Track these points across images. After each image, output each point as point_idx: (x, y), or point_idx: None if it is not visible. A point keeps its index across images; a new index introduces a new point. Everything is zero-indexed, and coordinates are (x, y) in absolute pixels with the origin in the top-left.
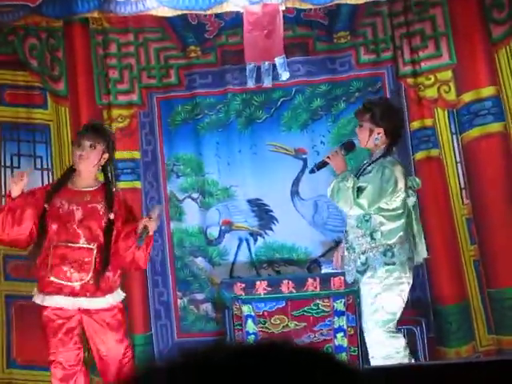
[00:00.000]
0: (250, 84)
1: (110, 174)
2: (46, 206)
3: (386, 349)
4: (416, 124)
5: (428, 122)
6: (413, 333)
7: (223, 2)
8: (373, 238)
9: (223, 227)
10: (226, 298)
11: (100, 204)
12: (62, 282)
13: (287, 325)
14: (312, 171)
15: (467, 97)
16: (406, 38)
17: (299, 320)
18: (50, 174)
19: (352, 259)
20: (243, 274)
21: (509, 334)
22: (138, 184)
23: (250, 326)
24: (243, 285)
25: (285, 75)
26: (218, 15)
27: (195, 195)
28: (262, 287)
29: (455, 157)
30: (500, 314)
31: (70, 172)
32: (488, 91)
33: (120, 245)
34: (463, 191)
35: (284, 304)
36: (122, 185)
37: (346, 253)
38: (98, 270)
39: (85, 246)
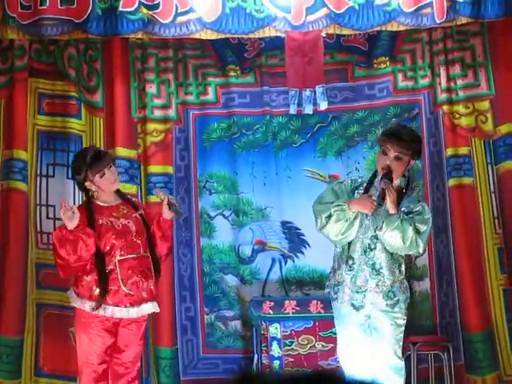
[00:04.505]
0: (292, 110)
1: None
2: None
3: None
4: (450, 151)
5: (462, 150)
6: (440, 358)
7: (265, 27)
8: (400, 271)
9: (256, 246)
10: (253, 316)
11: (136, 213)
12: (134, 293)
13: (314, 345)
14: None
15: (504, 128)
16: (445, 66)
17: (327, 341)
18: None
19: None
20: (273, 294)
21: None
22: None
23: (275, 349)
24: (272, 303)
25: (323, 105)
26: None
27: (227, 213)
28: (290, 306)
29: (489, 186)
30: None
31: (90, 199)
32: None
33: (159, 245)
34: (496, 220)
35: (312, 324)
36: (153, 199)
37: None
38: (156, 275)
39: (144, 254)
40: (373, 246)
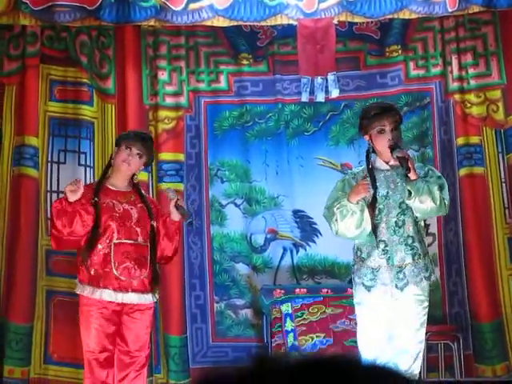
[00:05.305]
0: (304, 98)
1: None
2: (95, 199)
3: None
4: (461, 140)
5: (473, 139)
6: (450, 348)
7: (277, 14)
8: (425, 245)
9: (268, 235)
10: (263, 304)
11: (143, 204)
12: (124, 279)
13: (324, 311)
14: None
15: None
16: (457, 54)
17: (336, 307)
18: (92, 171)
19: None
20: (284, 282)
21: None
22: (180, 186)
23: (289, 324)
24: (283, 291)
25: (335, 92)
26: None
27: (239, 201)
28: (301, 293)
29: (500, 176)
30: None
31: (108, 169)
32: None
33: (162, 244)
34: (506, 210)
35: (321, 299)
36: (164, 186)
37: (410, 260)
38: (153, 267)
39: (142, 243)
40: (400, 223)
